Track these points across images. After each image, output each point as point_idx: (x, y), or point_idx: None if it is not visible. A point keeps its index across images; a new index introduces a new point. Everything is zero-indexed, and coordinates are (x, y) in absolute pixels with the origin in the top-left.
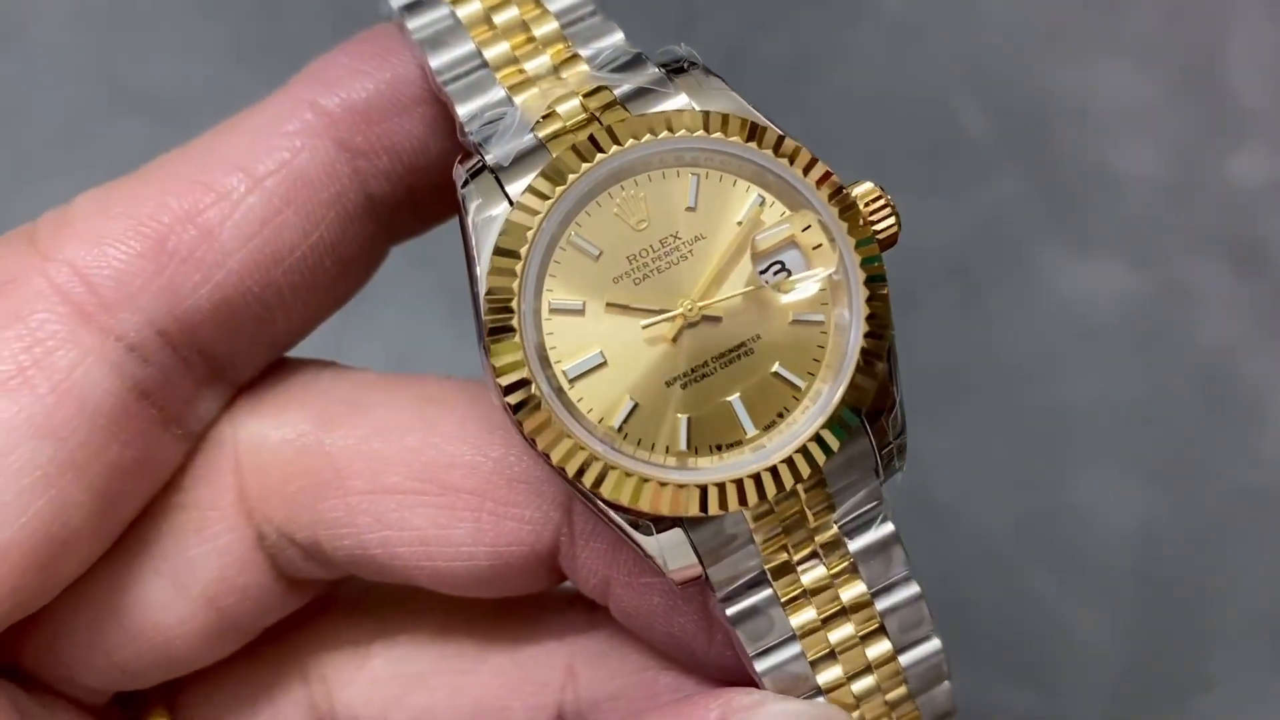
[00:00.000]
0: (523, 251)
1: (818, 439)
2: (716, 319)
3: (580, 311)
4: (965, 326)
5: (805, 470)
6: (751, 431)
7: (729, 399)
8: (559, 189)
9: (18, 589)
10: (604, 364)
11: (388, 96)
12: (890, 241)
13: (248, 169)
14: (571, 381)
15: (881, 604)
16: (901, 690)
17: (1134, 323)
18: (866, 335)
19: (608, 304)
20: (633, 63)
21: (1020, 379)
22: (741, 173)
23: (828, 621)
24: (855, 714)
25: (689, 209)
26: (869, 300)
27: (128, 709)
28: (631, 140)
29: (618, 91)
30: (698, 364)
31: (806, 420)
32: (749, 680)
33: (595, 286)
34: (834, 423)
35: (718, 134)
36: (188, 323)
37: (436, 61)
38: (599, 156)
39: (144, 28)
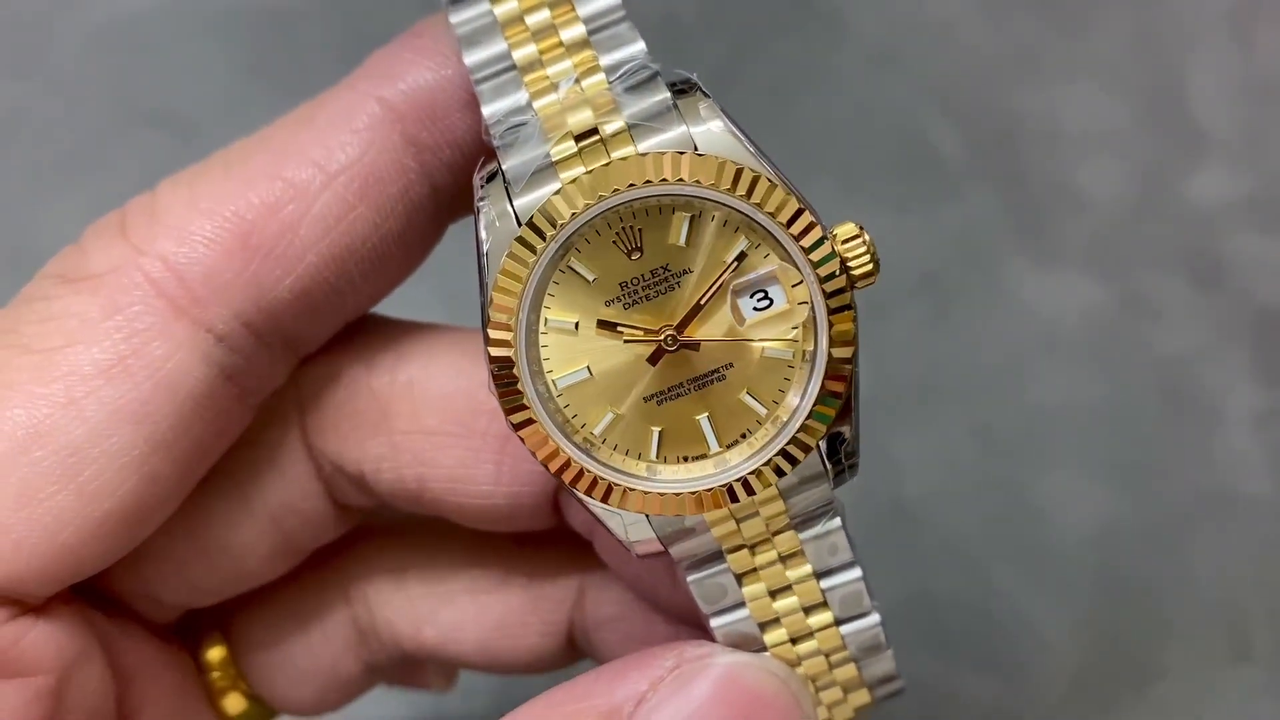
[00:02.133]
0: (524, 274)
1: (771, 462)
2: (695, 347)
3: (573, 330)
4: (936, 336)
5: (759, 488)
6: (715, 448)
7: (698, 417)
8: (561, 222)
9: (108, 551)
10: (590, 378)
11: (450, 93)
12: (867, 280)
13: (322, 165)
14: (560, 391)
15: (824, 584)
16: (843, 654)
17: (1097, 333)
18: (828, 375)
19: (598, 324)
20: (647, 83)
21: (988, 386)
22: (730, 218)
23: (775, 594)
24: (798, 670)
25: (680, 245)
26: (833, 343)
27: (187, 635)
28: (631, 184)
29: (626, 116)
30: (674, 384)
31: (766, 443)
32: (705, 627)
33: (588, 308)
34: (788, 450)
35: (710, 183)
36: (271, 313)
37: (470, 60)
38: (599, 195)
39: (161, 47)
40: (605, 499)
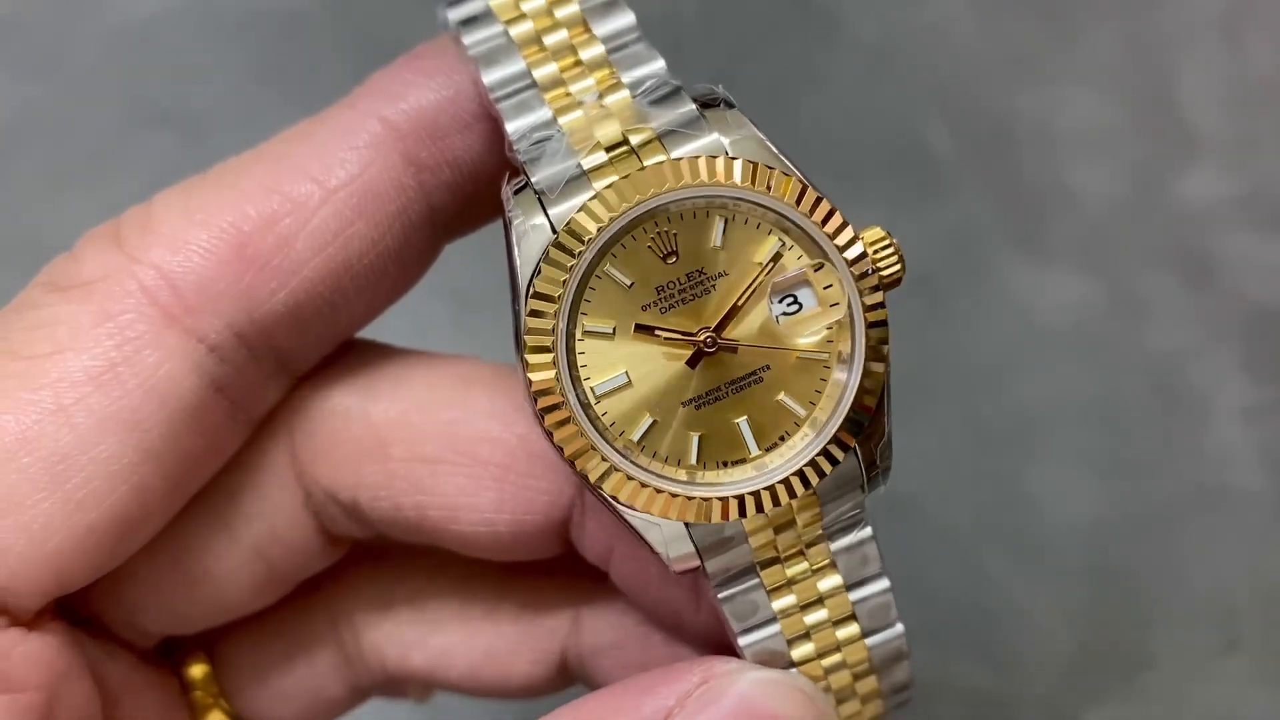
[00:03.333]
0: (562, 280)
1: (813, 463)
2: (733, 349)
3: (610, 335)
4: (930, 331)
5: (799, 490)
6: (755, 451)
7: (737, 421)
8: (598, 226)
9: (95, 563)
10: (628, 384)
11: (450, 113)
12: (894, 283)
13: (320, 180)
14: (598, 398)
15: (854, 595)
16: (865, 667)
17: (1088, 329)
18: (864, 374)
19: (636, 329)
20: (671, 96)
21: (981, 381)
22: (765, 219)
23: (805, 607)
24: (821, 684)
25: (715, 248)
26: (869, 342)
27: (170, 655)
28: (668, 186)
29: (656, 127)
30: (712, 388)
31: (805, 445)
32: (730, 646)
33: (625, 313)
34: (828, 449)
35: (745, 184)
36: (263, 325)
37: (489, 78)
38: (636, 198)
39: (172, 50)
40: (647, 507)
